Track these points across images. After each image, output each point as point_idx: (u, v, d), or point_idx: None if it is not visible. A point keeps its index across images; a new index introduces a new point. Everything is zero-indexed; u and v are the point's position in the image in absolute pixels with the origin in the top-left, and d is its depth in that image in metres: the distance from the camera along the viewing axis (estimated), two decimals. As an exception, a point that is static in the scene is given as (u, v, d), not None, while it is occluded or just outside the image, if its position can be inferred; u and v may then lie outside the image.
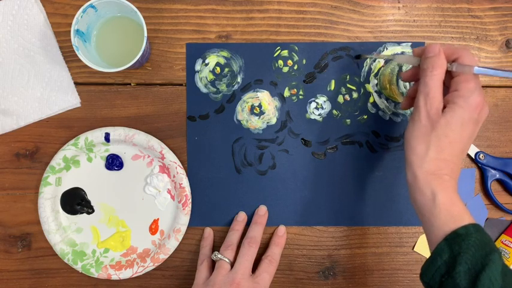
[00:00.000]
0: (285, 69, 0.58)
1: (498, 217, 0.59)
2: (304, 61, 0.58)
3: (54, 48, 0.57)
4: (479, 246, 0.40)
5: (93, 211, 0.58)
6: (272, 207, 0.58)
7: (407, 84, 0.58)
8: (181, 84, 0.58)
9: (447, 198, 0.43)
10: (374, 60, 0.58)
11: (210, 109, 0.58)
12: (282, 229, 0.58)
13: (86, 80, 0.58)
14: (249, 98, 0.58)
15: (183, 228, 0.57)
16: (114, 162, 0.57)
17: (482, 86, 0.58)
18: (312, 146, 0.58)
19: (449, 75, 0.46)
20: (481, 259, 0.40)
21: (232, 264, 0.53)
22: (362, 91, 0.58)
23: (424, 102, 0.44)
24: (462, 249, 0.40)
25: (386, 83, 0.58)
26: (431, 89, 0.44)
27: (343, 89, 0.58)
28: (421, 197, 0.44)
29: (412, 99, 0.50)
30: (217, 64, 0.58)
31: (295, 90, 0.58)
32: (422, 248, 0.58)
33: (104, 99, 0.58)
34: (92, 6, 0.50)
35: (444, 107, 0.44)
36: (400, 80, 0.58)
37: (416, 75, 0.49)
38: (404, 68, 0.57)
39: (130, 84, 0.58)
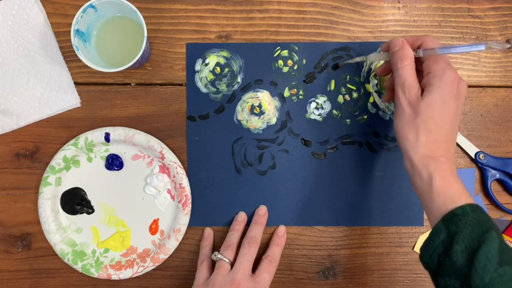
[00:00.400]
0: (285, 69, 0.58)
1: (498, 217, 0.59)
2: (304, 61, 0.58)
3: (54, 48, 0.57)
4: (476, 225, 0.41)
5: (93, 211, 0.58)
6: (272, 207, 0.58)
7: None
8: (181, 84, 0.58)
9: (444, 180, 0.43)
10: (374, 60, 0.58)
11: (210, 109, 0.58)
12: (282, 229, 0.58)
13: (86, 80, 0.58)
14: (249, 98, 0.58)
15: (183, 228, 0.57)
16: (114, 162, 0.57)
17: (482, 86, 0.58)
18: (312, 146, 0.58)
19: (419, 62, 0.48)
20: (477, 237, 0.40)
21: (232, 264, 0.53)
22: (362, 91, 0.58)
23: (402, 92, 0.46)
24: (459, 228, 0.41)
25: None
26: (406, 78, 0.46)
27: (343, 89, 0.58)
28: (419, 181, 0.45)
29: (391, 90, 0.52)
30: (217, 64, 0.58)
31: (295, 90, 0.58)
32: (422, 248, 0.58)
33: (104, 99, 0.58)
34: (92, 6, 0.50)
35: (423, 92, 0.45)
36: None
37: (389, 69, 0.51)
38: None
39: (130, 84, 0.58)
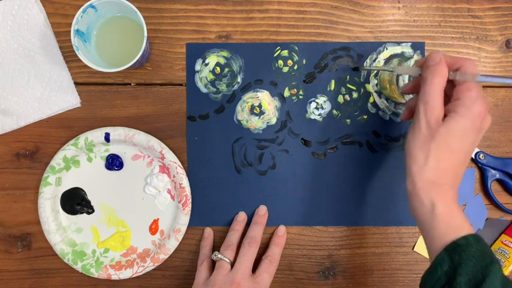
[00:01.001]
0: (285, 69, 0.58)
1: (498, 217, 0.59)
2: (304, 61, 0.58)
3: (54, 48, 0.57)
4: (480, 256, 0.40)
5: (93, 211, 0.58)
6: (272, 207, 0.58)
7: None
8: (181, 84, 0.58)
9: (447, 208, 0.42)
10: (374, 60, 0.58)
11: (210, 109, 0.58)
12: (282, 229, 0.58)
13: (86, 80, 0.58)
14: (249, 98, 0.58)
15: (183, 228, 0.57)
16: (114, 162, 0.57)
17: (482, 86, 0.58)
18: (312, 146, 0.58)
19: (451, 85, 0.45)
20: (481, 270, 0.39)
21: (232, 264, 0.53)
22: (362, 91, 0.58)
23: (424, 110, 0.44)
24: (463, 259, 0.40)
25: (387, 83, 0.58)
26: (432, 97, 0.44)
27: (343, 89, 0.58)
28: (420, 206, 0.43)
29: (412, 110, 0.50)
30: (217, 64, 0.58)
31: (295, 90, 0.58)
32: (422, 248, 0.58)
33: (104, 99, 0.58)
34: (92, 6, 0.50)
35: (445, 116, 0.44)
36: (400, 80, 0.58)
37: (417, 87, 0.48)
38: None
39: (130, 84, 0.58)
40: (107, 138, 0.56)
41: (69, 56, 0.57)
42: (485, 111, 0.43)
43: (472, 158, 0.58)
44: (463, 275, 0.39)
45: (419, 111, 0.44)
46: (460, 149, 0.43)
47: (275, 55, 0.58)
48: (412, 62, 0.58)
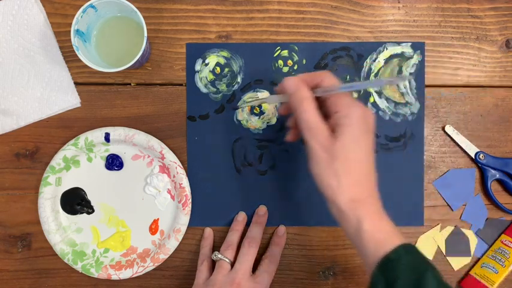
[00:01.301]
0: (285, 69, 0.58)
1: (498, 217, 0.59)
2: (304, 61, 0.58)
3: (54, 48, 0.57)
4: (412, 268, 0.39)
5: (93, 211, 0.58)
6: (272, 207, 0.58)
7: (407, 84, 0.58)
8: (181, 84, 0.58)
9: (372, 224, 0.41)
10: (374, 60, 0.58)
11: (210, 109, 0.58)
12: (282, 229, 0.58)
13: (86, 80, 0.58)
14: (249, 98, 0.58)
15: (183, 228, 0.57)
16: (114, 162, 0.57)
17: (482, 86, 0.58)
18: (312, 146, 0.58)
19: (321, 99, 0.45)
20: (415, 282, 0.39)
21: (232, 264, 0.53)
22: (362, 91, 0.58)
23: (311, 136, 0.43)
24: (396, 276, 0.39)
25: (387, 83, 0.58)
26: (310, 122, 0.43)
27: (343, 89, 0.58)
28: (348, 226, 0.43)
29: (295, 129, 0.49)
30: (217, 64, 0.58)
31: (295, 90, 0.58)
32: (423, 248, 0.58)
33: (104, 99, 0.58)
34: (92, 6, 0.50)
35: (333, 131, 0.43)
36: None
37: (290, 108, 0.47)
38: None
39: (130, 84, 0.58)
40: (107, 138, 0.56)
41: (69, 56, 0.57)
42: (363, 111, 0.43)
43: (472, 158, 0.58)
44: None
45: (308, 139, 0.43)
46: (362, 156, 0.42)
47: (275, 55, 0.58)
48: (412, 61, 0.58)
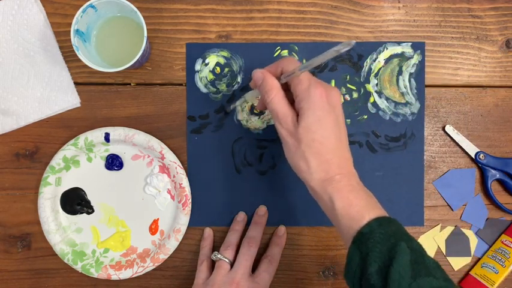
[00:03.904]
0: (285, 69, 0.58)
1: (498, 217, 0.59)
2: (304, 61, 0.58)
3: (54, 48, 0.57)
4: (385, 239, 0.40)
5: (93, 211, 0.58)
6: (272, 207, 0.58)
7: (407, 84, 0.58)
8: (181, 84, 0.58)
9: (343, 200, 0.42)
10: (374, 60, 0.58)
11: (210, 109, 0.58)
12: (282, 229, 0.58)
13: (86, 80, 0.58)
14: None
15: (183, 228, 0.57)
16: (114, 162, 0.57)
17: (482, 86, 0.58)
18: (312, 146, 0.58)
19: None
20: (387, 253, 0.39)
21: (232, 264, 0.53)
22: (362, 91, 0.58)
23: (279, 123, 0.44)
24: (369, 248, 0.40)
25: (387, 83, 0.58)
26: (277, 110, 0.44)
27: (343, 89, 0.58)
28: (324, 206, 0.44)
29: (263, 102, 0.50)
30: (217, 64, 0.58)
31: (295, 90, 0.58)
32: (423, 248, 0.58)
33: (104, 99, 0.58)
34: (91, 6, 0.50)
35: (298, 115, 0.44)
36: (400, 80, 0.58)
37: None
38: None
39: (130, 84, 0.58)
40: (107, 138, 0.56)
41: (69, 56, 0.57)
42: (324, 89, 0.44)
43: (472, 158, 0.58)
44: (372, 264, 0.39)
45: (277, 127, 0.45)
46: (326, 135, 0.43)
47: (275, 55, 0.58)
48: (412, 61, 0.58)
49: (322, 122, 0.43)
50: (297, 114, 0.44)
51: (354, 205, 0.42)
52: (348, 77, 0.58)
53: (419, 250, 0.40)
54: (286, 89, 0.46)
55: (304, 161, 0.43)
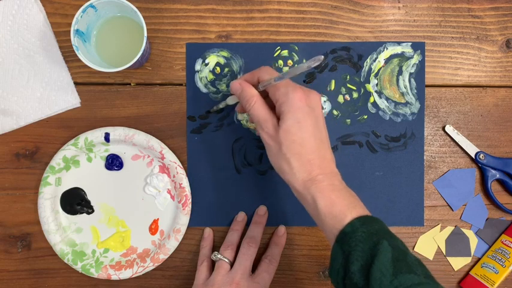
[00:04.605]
0: (285, 69, 0.58)
1: (498, 217, 0.59)
2: (304, 61, 0.58)
3: (54, 48, 0.57)
4: (367, 238, 0.40)
5: (93, 211, 0.58)
6: (272, 207, 0.58)
7: (407, 84, 0.58)
8: (181, 84, 0.58)
9: (326, 199, 0.43)
10: (374, 60, 0.58)
11: (210, 109, 0.58)
12: (282, 229, 0.58)
13: (85, 80, 0.58)
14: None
15: (183, 228, 0.57)
16: (114, 162, 0.57)
17: (482, 86, 0.58)
18: (312, 146, 0.58)
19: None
20: (370, 251, 0.39)
21: (232, 264, 0.53)
22: (362, 91, 0.58)
23: (261, 128, 0.46)
24: (351, 247, 0.40)
25: (387, 83, 0.58)
26: (258, 115, 0.46)
27: (343, 89, 0.58)
28: (308, 206, 0.45)
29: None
30: (217, 64, 0.58)
31: (295, 90, 0.58)
32: (423, 248, 0.58)
33: (104, 99, 0.58)
34: (91, 6, 0.50)
35: (278, 119, 0.45)
36: (400, 80, 0.58)
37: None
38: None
39: (130, 84, 0.58)
40: (107, 138, 0.56)
41: (69, 56, 0.57)
42: (303, 93, 0.45)
43: (472, 158, 0.58)
44: (354, 262, 0.40)
45: (259, 132, 0.46)
46: (306, 136, 0.44)
47: (275, 55, 0.58)
48: (412, 61, 0.58)
49: (301, 124, 0.44)
50: (278, 118, 0.45)
51: (337, 204, 0.42)
52: (348, 77, 0.58)
53: (402, 248, 0.41)
54: (265, 96, 0.47)
55: (286, 163, 0.44)
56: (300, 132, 0.44)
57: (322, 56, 0.39)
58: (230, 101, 0.53)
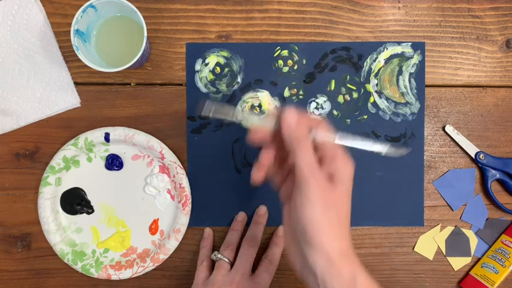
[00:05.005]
0: (285, 69, 0.58)
1: (498, 217, 0.59)
2: (304, 61, 0.58)
3: (54, 48, 0.57)
4: None
5: (93, 211, 0.58)
6: (272, 207, 0.58)
7: (407, 84, 0.58)
8: (181, 84, 0.58)
9: (366, 278, 0.39)
10: (374, 60, 0.58)
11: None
12: (281, 229, 0.58)
13: (85, 80, 0.58)
14: (249, 98, 0.58)
15: (183, 228, 0.57)
16: (114, 162, 0.57)
17: (482, 86, 0.58)
18: (312, 146, 0.58)
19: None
20: None
21: (232, 264, 0.53)
22: (362, 91, 0.58)
23: (311, 176, 0.39)
24: None
25: (387, 83, 0.58)
26: (312, 162, 0.40)
27: (343, 89, 0.58)
28: (339, 281, 0.38)
29: (266, 168, 0.46)
30: (217, 64, 0.58)
31: (295, 90, 0.58)
32: (423, 248, 0.58)
33: (104, 99, 0.58)
34: (91, 6, 0.50)
35: (328, 178, 0.41)
36: (400, 80, 0.58)
37: (268, 137, 0.45)
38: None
39: (130, 84, 0.58)
40: (107, 138, 0.56)
41: (69, 56, 0.57)
42: (353, 169, 0.42)
43: (472, 158, 0.58)
44: None
45: (307, 178, 0.39)
46: (348, 212, 0.41)
47: (275, 55, 0.58)
48: (412, 61, 0.58)
49: (349, 199, 0.41)
50: (327, 176, 0.40)
51: (374, 283, 0.40)
52: (348, 77, 0.58)
53: None
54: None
55: (329, 226, 0.39)
56: (347, 205, 0.41)
57: (405, 151, 0.35)
58: (257, 121, 0.45)
